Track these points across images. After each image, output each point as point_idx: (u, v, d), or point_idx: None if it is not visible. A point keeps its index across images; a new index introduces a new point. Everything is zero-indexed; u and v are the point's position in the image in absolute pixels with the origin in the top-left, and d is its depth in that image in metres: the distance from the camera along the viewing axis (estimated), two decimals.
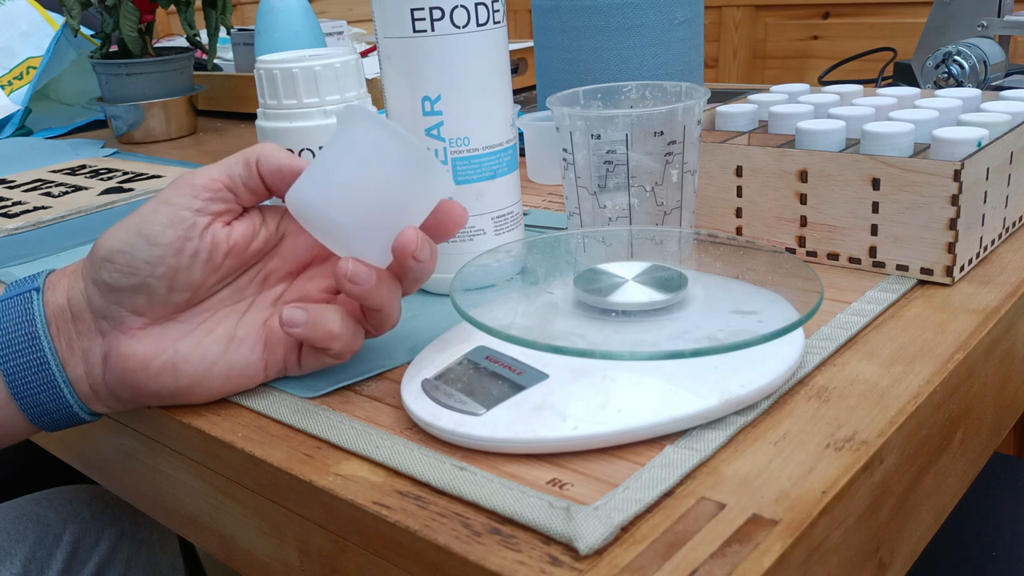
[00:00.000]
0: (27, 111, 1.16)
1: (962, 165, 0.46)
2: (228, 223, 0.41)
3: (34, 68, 1.22)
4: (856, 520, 0.35)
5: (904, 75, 0.95)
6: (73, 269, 0.42)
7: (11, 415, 0.42)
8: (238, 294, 0.43)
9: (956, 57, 0.82)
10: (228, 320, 0.42)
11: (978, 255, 0.52)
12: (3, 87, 1.19)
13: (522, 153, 0.78)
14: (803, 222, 0.52)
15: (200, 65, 1.25)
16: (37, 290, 0.42)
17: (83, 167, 0.92)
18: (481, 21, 0.49)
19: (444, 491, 0.35)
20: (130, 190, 0.81)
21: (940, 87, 0.84)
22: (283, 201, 0.42)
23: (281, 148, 0.42)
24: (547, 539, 0.32)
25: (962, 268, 0.50)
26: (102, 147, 1.04)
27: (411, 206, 0.41)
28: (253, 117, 0.57)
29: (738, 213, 0.55)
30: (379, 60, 0.51)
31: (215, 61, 1.24)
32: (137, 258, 0.39)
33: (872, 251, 0.51)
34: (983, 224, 0.51)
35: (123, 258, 0.40)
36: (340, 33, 1.17)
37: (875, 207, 0.49)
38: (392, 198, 0.40)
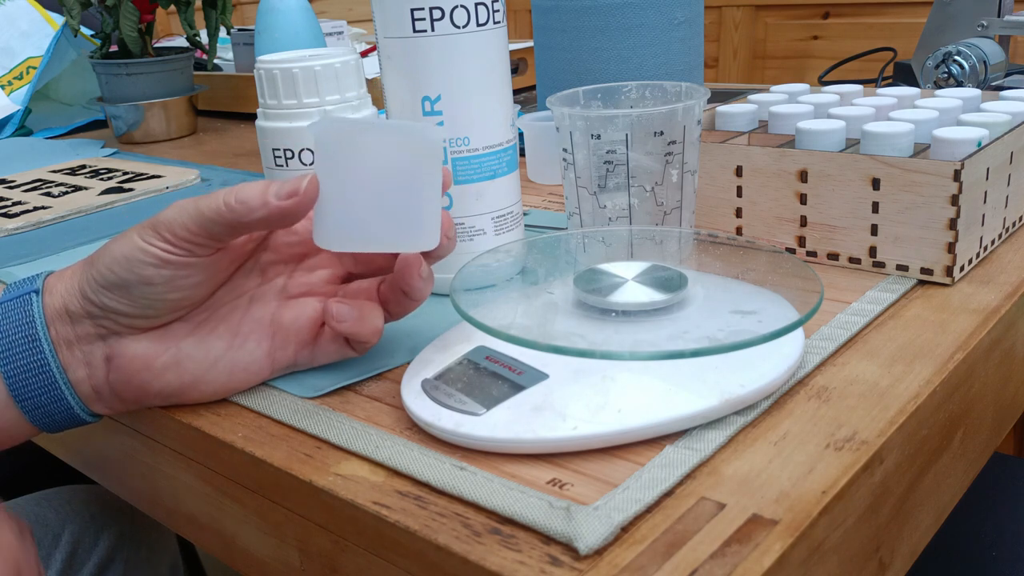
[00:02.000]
0: (27, 111, 1.16)
1: (962, 165, 0.46)
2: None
3: (34, 68, 1.22)
4: (856, 520, 0.35)
5: (904, 75, 0.95)
6: (70, 276, 0.42)
7: (12, 417, 0.42)
8: (238, 290, 0.43)
9: (956, 57, 0.82)
10: (231, 316, 0.42)
11: (978, 255, 0.52)
12: (3, 87, 1.19)
13: (522, 153, 0.78)
14: (803, 222, 0.52)
15: (200, 65, 1.25)
16: (36, 292, 0.42)
17: (83, 167, 0.92)
18: (481, 21, 0.49)
19: (444, 491, 0.35)
20: (130, 190, 0.81)
21: (940, 87, 0.84)
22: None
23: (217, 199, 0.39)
24: (547, 539, 0.32)
25: (962, 268, 0.50)
26: (102, 147, 1.04)
27: (423, 177, 0.40)
28: (253, 117, 0.57)
29: (738, 213, 0.55)
30: (379, 60, 0.51)
31: (215, 61, 1.24)
32: (133, 294, 0.40)
33: (872, 251, 0.51)
34: (983, 224, 0.51)
35: (120, 292, 0.40)
36: (340, 33, 1.17)
37: (875, 207, 0.49)
38: (404, 183, 0.40)
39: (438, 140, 0.41)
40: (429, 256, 0.42)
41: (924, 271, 0.49)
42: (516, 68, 1.16)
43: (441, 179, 0.41)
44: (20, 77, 1.22)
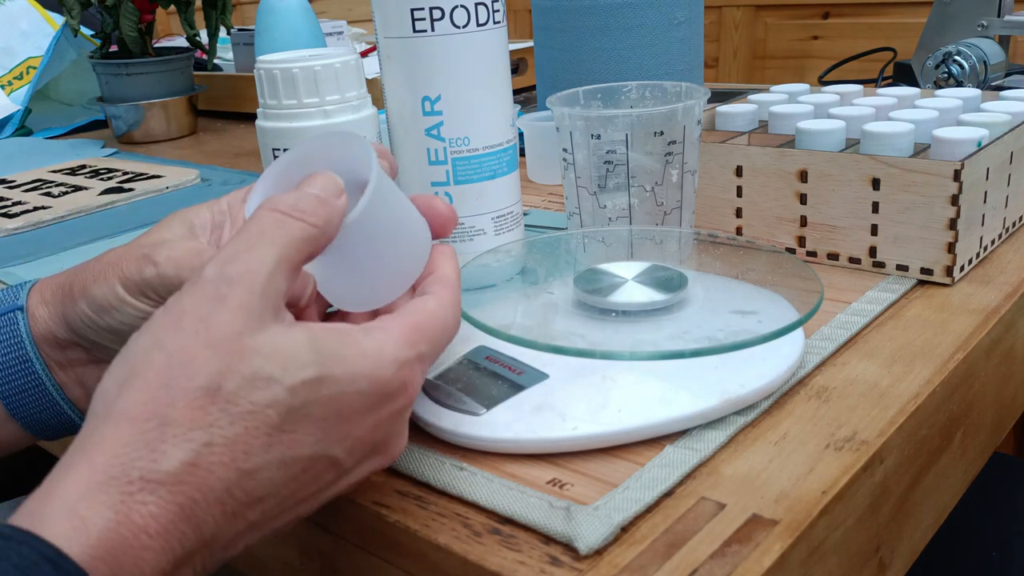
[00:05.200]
0: (27, 111, 1.16)
1: (962, 165, 0.46)
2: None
3: (34, 68, 1.22)
4: (856, 520, 0.35)
5: (904, 75, 0.95)
6: (52, 299, 0.40)
7: (12, 431, 0.41)
8: None
9: (956, 57, 0.82)
10: None
11: (978, 255, 0.52)
12: (3, 87, 1.19)
13: (522, 153, 0.78)
14: (803, 222, 0.52)
15: (200, 65, 1.25)
16: (21, 309, 0.40)
17: (83, 167, 0.92)
18: (481, 21, 0.49)
19: (444, 491, 0.35)
20: (130, 190, 0.81)
21: (940, 87, 0.84)
22: None
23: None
24: (547, 539, 0.32)
25: (962, 268, 0.50)
26: (102, 147, 1.04)
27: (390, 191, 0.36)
28: (253, 117, 0.57)
29: (738, 213, 0.55)
30: (379, 60, 0.51)
31: (215, 61, 1.24)
32: (123, 334, 0.38)
33: (872, 251, 0.51)
34: (983, 224, 0.51)
35: (110, 332, 0.38)
36: (340, 33, 1.17)
37: (875, 207, 0.49)
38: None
39: (365, 141, 0.35)
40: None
41: (924, 271, 0.49)
42: (516, 68, 1.16)
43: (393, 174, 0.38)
44: (20, 77, 1.22)
